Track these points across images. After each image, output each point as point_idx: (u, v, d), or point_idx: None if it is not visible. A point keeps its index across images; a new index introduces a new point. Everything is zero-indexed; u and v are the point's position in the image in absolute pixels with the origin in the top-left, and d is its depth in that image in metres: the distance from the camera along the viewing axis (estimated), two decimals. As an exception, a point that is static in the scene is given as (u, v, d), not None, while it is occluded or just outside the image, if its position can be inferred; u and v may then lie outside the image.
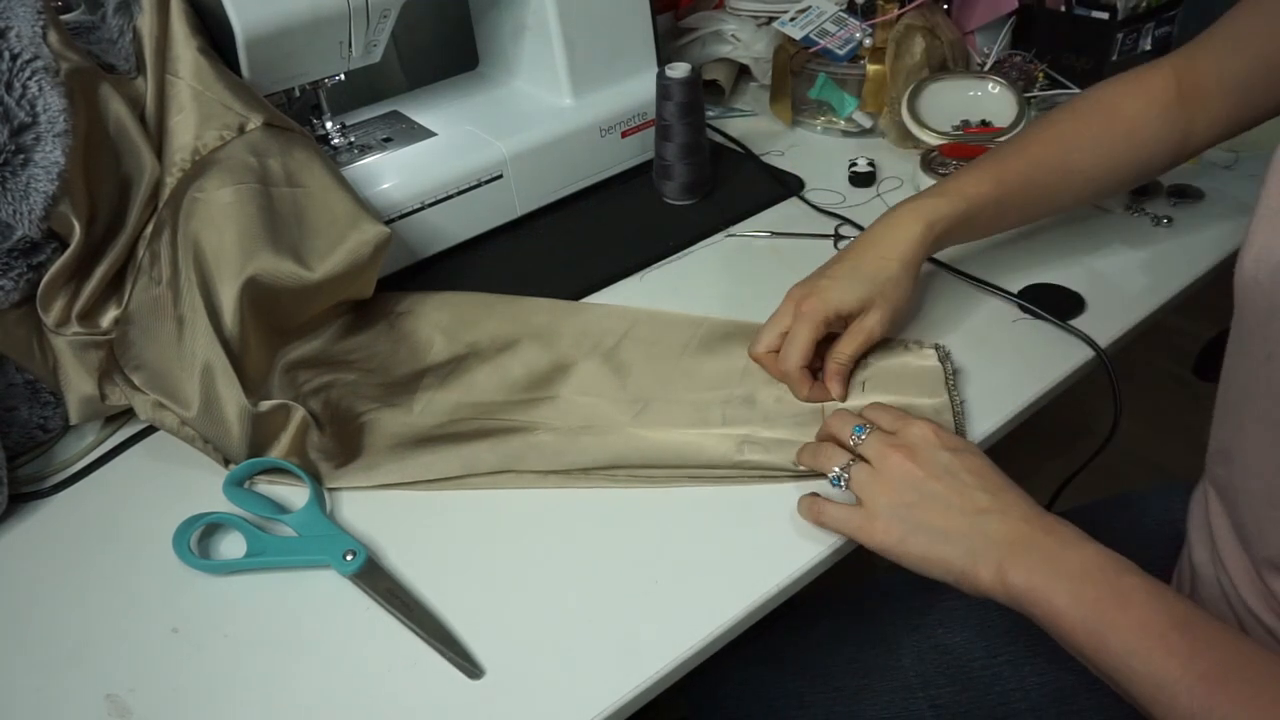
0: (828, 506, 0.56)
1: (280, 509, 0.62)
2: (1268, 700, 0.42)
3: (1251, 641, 0.45)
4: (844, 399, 0.66)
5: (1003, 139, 0.90)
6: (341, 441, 0.65)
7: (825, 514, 0.56)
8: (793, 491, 0.61)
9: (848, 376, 0.66)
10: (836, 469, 0.57)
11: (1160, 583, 0.47)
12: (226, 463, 0.65)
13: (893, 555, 0.54)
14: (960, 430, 0.63)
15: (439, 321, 0.75)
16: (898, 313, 0.67)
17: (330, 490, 0.64)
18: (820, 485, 0.60)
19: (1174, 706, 0.43)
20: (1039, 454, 1.54)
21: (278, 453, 0.64)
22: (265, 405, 0.63)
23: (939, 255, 0.80)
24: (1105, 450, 0.72)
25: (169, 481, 0.65)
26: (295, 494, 0.64)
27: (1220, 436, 0.57)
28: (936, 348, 0.69)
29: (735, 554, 0.57)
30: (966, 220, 0.69)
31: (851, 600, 0.76)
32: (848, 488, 0.56)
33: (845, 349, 0.66)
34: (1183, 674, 0.43)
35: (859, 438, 0.57)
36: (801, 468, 0.61)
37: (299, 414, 0.63)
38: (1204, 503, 0.61)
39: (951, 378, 0.67)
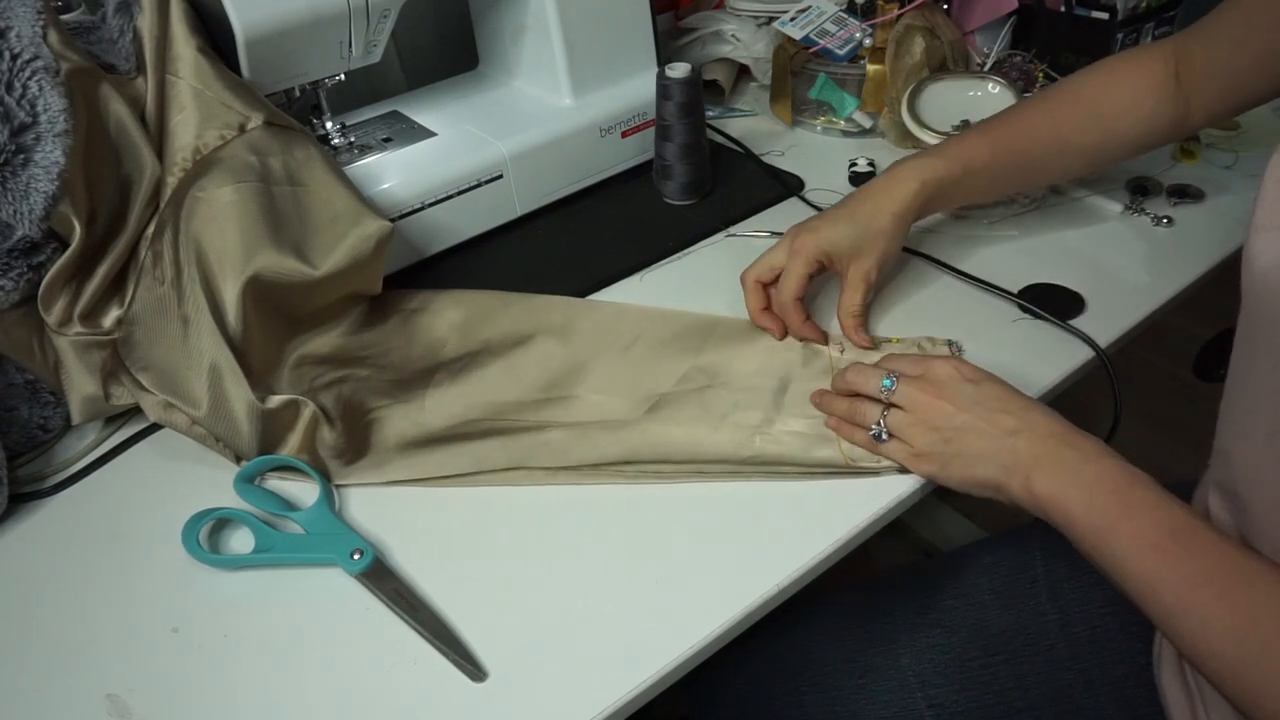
0: (881, 445, 0.61)
1: (289, 506, 0.63)
2: (1240, 601, 0.46)
3: (1242, 550, 0.48)
4: (872, 345, 0.71)
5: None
6: (352, 437, 0.65)
7: (880, 447, 0.61)
8: (796, 490, 0.61)
9: (865, 324, 0.72)
10: (874, 425, 0.61)
11: (1170, 495, 0.51)
12: (239, 459, 0.65)
13: (940, 481, 0.59)
14: None
15: (453, 319, 0.75)
16: (885, 263, 0.72)
17: (339, 488, 0.64)
18: (827, 484, 0.60)
19: (1160, 604, 0.49)
20: (1039, 454, 1.54)
21: (289, 450, 0.64)
22: (274, 401, 0.63)
23: (939, 255, 0.81)
24: (1105, 450, 0.72)
25: (170, 481, 0.65)
26: (305, 491, 0.64)
27: (1224, 438, 0.57)
28: (949, 343, 0.70)
29: (736, 554, 0.57)
30: (960, 183, 0.73)
31: (851, 600, 0.76)
32: (889, 437, 0.60)
33: (852, 300, 0.71)
34: (1170, 575, 0.48)
35: (889, 390, 0.61)
36: (812, 466, 0.62)
37: (309, 410, 0.63)
38: (1205, 503, 0.61)
39: None
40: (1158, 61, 0.73)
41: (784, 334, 0.72)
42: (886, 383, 0.61)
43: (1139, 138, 0.75)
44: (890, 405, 0.61)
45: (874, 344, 0.71)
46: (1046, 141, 0.75)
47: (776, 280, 0.72)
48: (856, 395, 0.63)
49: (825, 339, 0.72)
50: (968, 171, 0.73)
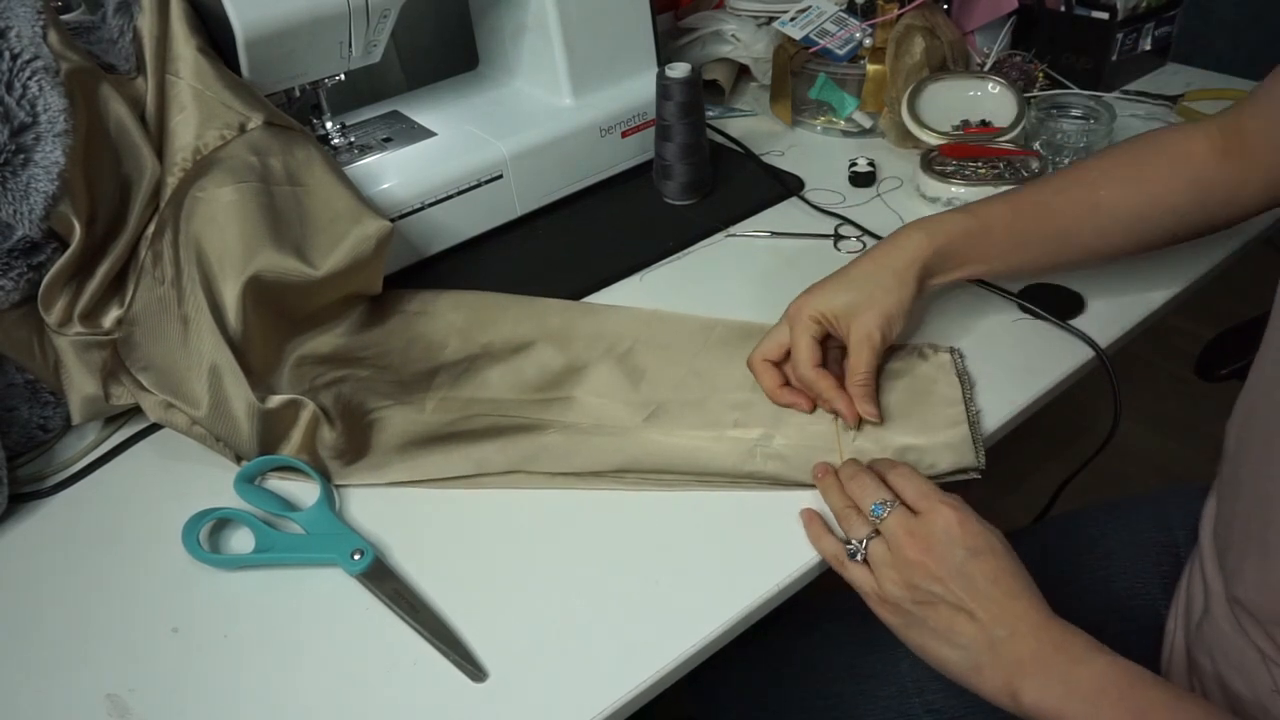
0: (849, 563, 0.55)
1: (290, 506, 0.63)
2: None
3: None
4: (879, 418, 0.63)
5: (1003, 139, 0.91)
6: (352, 438, 0.65)
7: (846, 568, 0.55)
8: (796, 494, 0.61)
9: (874, 391, 0.64)
10: (855, 541, 0.55)
11: (1178, 690, 0.46)
12: (239, 459, 0.65)
13: (895, 634, 0.54)
14: (977, 439, 0.63)
15: (453, 322, 0.75)
16: (890, 318, 0.64)
17: (340, 488, 0.64)
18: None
19: None
20: (1039, 454, 1.54)
21: (289, 450, 0.64)
22: (274, 401, 0.63)
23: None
24: (1105, 450, 0.72)
25: (170, 481, 0.65)
26: (305, 491, 0.64)
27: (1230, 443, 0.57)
28: (951, 351, 0.69)
29: (735, 554, 0.57)
30: (974, 237, 0.66)
31: (851, 605, 0.76)
32: (864, 561, 0.55)
33: (856, 365, 0.64)
34: None
35: (878, 518, 0.55)
36: (813, 481, 0.61)
37: (309, 410, 0.63)
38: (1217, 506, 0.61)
39: (969, 387, 0.66)
40: (1198, 137, 0.67)
41: (813, 407, 0.65)
42: (876, 509, 0.55)
43: (1187, 209, 0.67)
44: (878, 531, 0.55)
45: (881, 418, 0.64)
46: (1078, 201, 0.68)
47: (789, 357, 0.66)
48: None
49: (878, 415, 0.63)
50: (981, 224, 0.66)
